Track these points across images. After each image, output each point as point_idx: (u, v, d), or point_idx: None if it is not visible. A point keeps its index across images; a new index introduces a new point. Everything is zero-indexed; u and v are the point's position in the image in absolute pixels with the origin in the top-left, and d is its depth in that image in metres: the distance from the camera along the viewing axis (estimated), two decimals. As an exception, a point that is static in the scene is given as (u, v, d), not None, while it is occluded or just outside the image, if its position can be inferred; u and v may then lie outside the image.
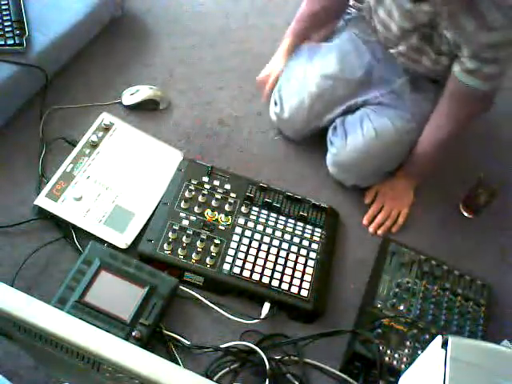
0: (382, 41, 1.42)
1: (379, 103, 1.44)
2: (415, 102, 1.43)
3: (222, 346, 1.15)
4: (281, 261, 1.26)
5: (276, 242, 1.28)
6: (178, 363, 1.12)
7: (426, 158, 1.44)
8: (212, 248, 1.24)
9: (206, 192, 1.32)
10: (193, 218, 1.28)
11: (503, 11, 1.14)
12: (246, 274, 1.22)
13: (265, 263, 1.25)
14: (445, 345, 0.85)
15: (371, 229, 1.42)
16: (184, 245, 1.22)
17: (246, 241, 1.27)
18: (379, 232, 1.42)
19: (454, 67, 1.29)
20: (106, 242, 1.22)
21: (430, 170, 1.49)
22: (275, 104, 1.50)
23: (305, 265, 1.26)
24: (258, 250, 1.26)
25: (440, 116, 1.38)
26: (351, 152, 1.40)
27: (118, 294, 1.12)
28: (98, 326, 0.59)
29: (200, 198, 1.31)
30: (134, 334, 1.08)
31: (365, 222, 1.43)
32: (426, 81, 1.45)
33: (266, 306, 1.21)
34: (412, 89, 1.44)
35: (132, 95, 1.49)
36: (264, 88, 1.55)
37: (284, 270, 1.25)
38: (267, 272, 1.23)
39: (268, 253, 1.26)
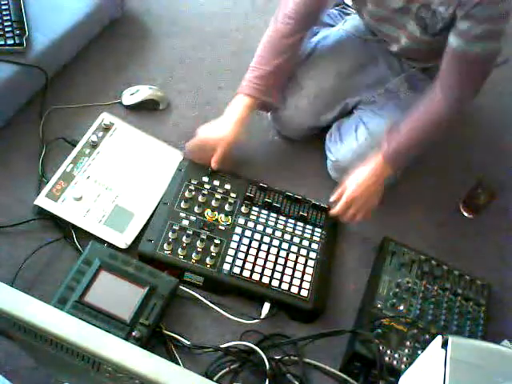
0: (381, 38, 1.42)
1: (374, 103, 1.45)
2: (411, 100, 1.43)
3: (222, 346, 1.15)
4: (281, 261, 1.26)
5: (276, 242, 1.28)
6: (178, 363, 1.12)
7: (411, 141, 1.30)
8: (212, 248, 1.24)
9: (206, 192, 1.32)
10: (193, 217, 1.28)
11: None
12: (246, 273, 1.22)
13: (265, 263, 1.25)
14: (445, 345, 0.85)
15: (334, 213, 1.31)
16: (184, 245, 1.22)
17: (246, 241, 1.27)
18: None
19: (448, 39, 1.24)
20: (106, 242, 1.22)
21: (413, 156, 1.35)
22: None
23: (305, 265, 1.26)
24: (258, 249, 1.26)
25: (433, 90, 1.30)
26: (347, 154, 1.41)
27: (118, 294, 1.12)
28: (98, 326, 0.59)
29: (200, 198, 1.31)
30: (134, 333, 1.08)
31: (331, 214, 1.32)
32: (422, 78, 1.46)
33: (266, 306, 1.21)
34: (408, 87, 1.45)
35: (132, 95, 1.49)
36: (197, 156, 1.35)
37: (284, 269, 1.25)
38: (267, 272, 1.23)
39: (268, 253, 1.26)
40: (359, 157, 1.39)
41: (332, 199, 1.33)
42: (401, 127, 1.31)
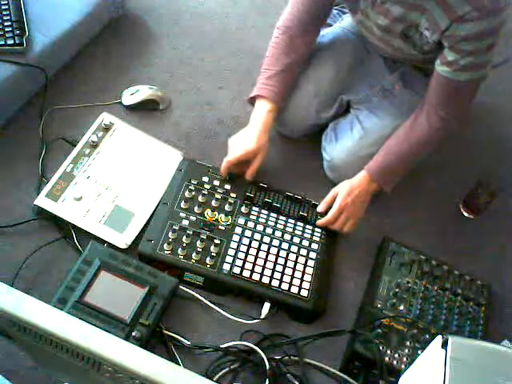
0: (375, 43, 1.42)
1: (370, 101, 1.45)
2: (406, 97, 1.43)
3: (222, 346, 1.15)
4: (281, 261, 1.26)
5: (276, 242, 1.28)
6: (177, 363, 1.12)
7: (397, 160, 1.34)
8: (212, 248, 1.24)
9: (205, 192, 1.32)
10: (193, 217, 1.28)
11: (472, 3, 1.11)
12: (246, 274, 1.22)
13: (265, 263, 1.25)
14: (445, 345, 0.85)
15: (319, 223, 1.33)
16: (184, 245, 1.22)
17: (246, 241, 1.27)
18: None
19: (436, 61, 1.26)
20: (106, 242, 1.22)
21: (400, 176, 1.37)
22: None
23: (305, 265, 1.26)
24: (258, 250, 1.26)
25: (420, 109, 1.32)
26: (341, 153, 1.42)
27: (117, 293, 1.12)
28: (98, 326, 0.59)
29: (200, 198, 1.31)
30: (134, 334, 1.08)
31: (319, 224, 1.33)
32: (417, 76, 1.46)
33: (266, 306, 1.21)
34: (403, 84, 1.45)
35: (132, 95, 1.49)
36: (243, 172, 1.34)
37: (284, 269, 1.25)
38: (267, 272, 1.23)
39: (268, 253, 1.26)
40: (354, 156, 1.40)
41: (320, 209, 1.34)
42: (386, 145, 1.34)
